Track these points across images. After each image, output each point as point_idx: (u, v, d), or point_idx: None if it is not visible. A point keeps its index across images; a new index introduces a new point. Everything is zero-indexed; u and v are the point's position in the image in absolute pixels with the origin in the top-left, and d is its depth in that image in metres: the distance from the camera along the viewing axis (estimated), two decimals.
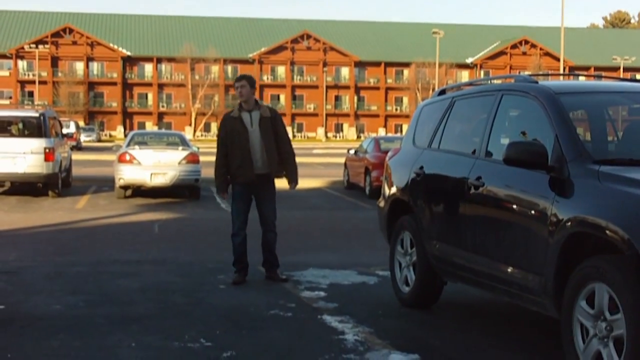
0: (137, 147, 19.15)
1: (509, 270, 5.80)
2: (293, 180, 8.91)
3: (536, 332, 6.62)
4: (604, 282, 4.77)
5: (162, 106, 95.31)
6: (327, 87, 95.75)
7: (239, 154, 8.56)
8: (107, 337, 6.26)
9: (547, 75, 8.20)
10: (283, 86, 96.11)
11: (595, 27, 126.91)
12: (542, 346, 6.16)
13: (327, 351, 5.91)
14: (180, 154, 18.89)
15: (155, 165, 18.49)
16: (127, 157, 18.55)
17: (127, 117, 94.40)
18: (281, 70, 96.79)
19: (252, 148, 8.55)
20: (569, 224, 5.10)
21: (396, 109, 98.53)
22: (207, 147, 51.05)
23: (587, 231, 5.01)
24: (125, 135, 38.39)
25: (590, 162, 5.29)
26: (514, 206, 5.84)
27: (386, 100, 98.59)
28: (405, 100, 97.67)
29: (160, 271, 9.29)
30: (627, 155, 5.59)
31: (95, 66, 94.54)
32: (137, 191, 19.34)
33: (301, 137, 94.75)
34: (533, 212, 5.55)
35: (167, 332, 6.40)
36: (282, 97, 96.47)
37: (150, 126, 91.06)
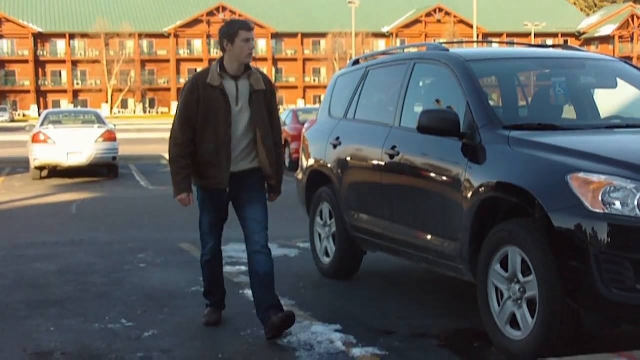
0: (51, 126, 18.75)
1: (426, 237, 5.88)
2: (275, 190, 6.03)
3: (454, 297, 6.75)
4: (516, 246, 4.88)
5: (77, 83, 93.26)
6: None
7: (211, 141, 5.58)
8: (25, 322, 6.14)
9: (462, 42, 8.32)
10: (200, 60, 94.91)
11: None
12: (460, 310, 6.27)
13: (249, 326, 5.92)
14: (96, 132, 18.58)
15: (70, 144, 18.13)
16: (42, 137, 18.13)
17: (40, 95, 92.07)
18: (198, 43, 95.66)
19: (235, 136, 5.62)
20: (482, 189, 5.20)
21: (314, 80, 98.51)
22: (125, 125, 50.53)
23: (499, 196, 5.12)
24: (39, 115, 37.46)
25: (501, 128, 5.39)
26: (429, 174, 5.91)
27: (304, 72, 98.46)
28: (323, 71, 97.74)
29: (79, 252, 9.14)
30: (536, 120, 5.72)
31: (5, 44, 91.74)
32: (53, 171, 18.95)
33: None
34: (447, 179, 5.63)
35: (86, 315, 6.31)
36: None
37: (66, 104, 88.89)
